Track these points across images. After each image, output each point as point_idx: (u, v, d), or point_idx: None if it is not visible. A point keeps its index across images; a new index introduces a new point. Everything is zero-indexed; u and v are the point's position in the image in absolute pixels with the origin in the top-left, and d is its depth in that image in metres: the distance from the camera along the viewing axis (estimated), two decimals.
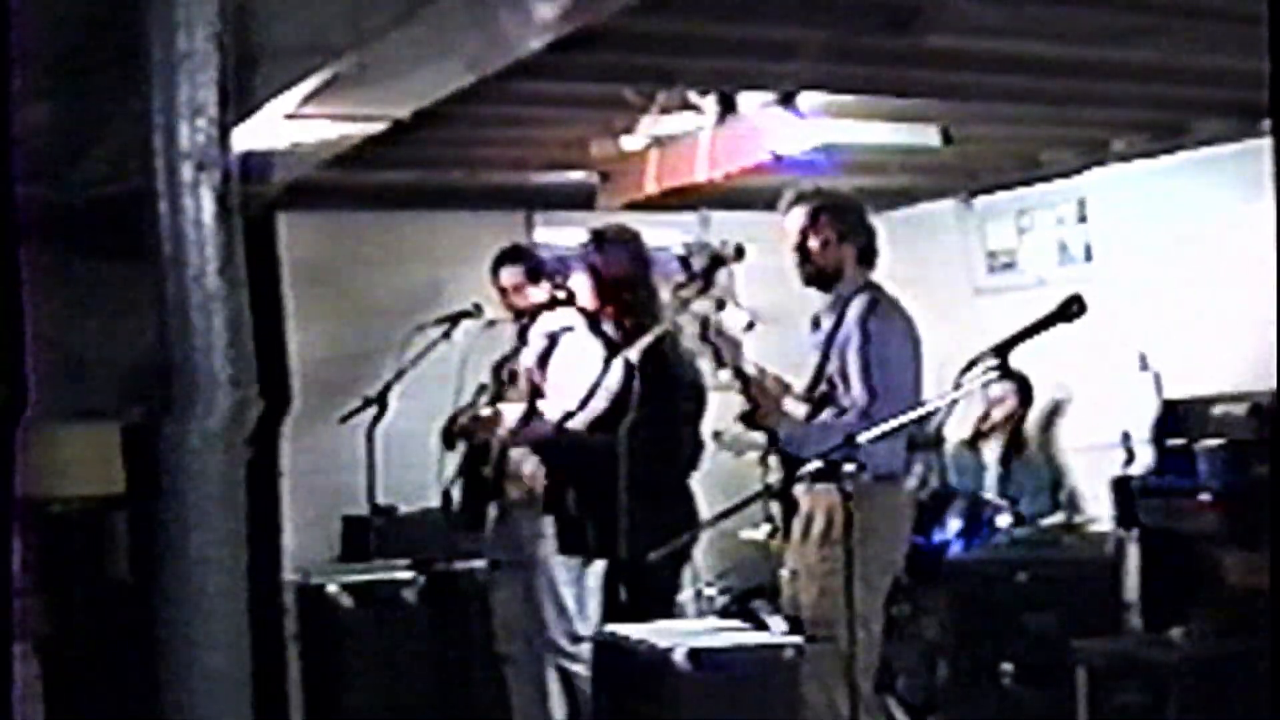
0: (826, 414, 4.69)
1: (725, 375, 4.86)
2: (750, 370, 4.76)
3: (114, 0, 2.56)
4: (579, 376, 5.82)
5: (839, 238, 4.79)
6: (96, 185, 5.66)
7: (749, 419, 4.81)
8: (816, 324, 4.87)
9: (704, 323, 4.73)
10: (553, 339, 5.99)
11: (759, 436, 4.86)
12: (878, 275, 4.89)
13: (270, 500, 7.06)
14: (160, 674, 2.17)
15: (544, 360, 5.98)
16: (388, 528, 6.67)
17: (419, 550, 6.51)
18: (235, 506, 2.18)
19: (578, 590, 5.93)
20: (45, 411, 2.28)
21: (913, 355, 4.71)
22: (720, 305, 4.77)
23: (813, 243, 4.79)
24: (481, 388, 6.18)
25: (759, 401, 4.71)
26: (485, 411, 5.99)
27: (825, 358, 4.77)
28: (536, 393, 5.93)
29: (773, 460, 4.93)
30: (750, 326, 4.91)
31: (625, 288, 5.45)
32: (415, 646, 6.41)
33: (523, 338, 6.10)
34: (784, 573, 4.88)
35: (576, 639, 5.90)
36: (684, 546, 5.27)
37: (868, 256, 4.85)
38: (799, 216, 4.82)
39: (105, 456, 6.62)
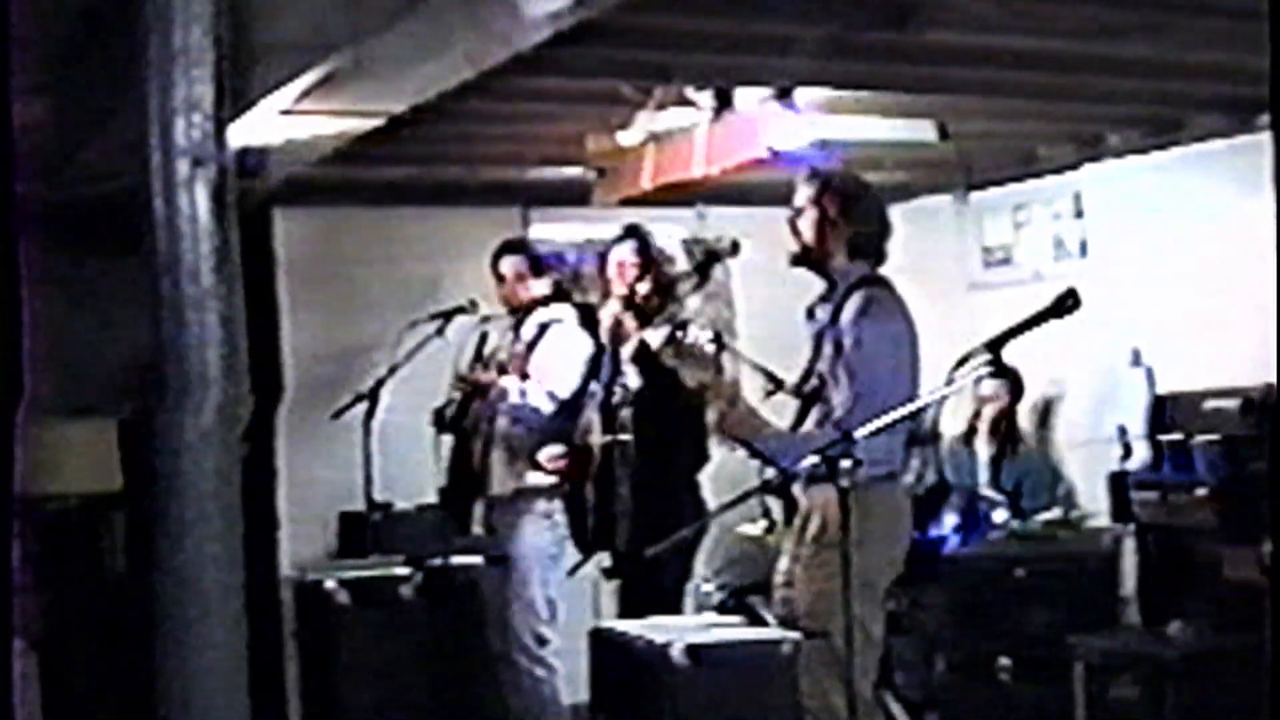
0: (815, 412, 4.65)
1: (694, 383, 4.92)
2: (723, 377, 4.74)
3: None
4: (565, 365, 5.86)
5: (834, 222, 4.65)
6: (93, 181, 5.67)
7: (719, 429, 4.78)
8: (811, 314, 4.79)
9: (670, 339, 4.72)
10: (542, 329, 6.01)
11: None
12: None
13: (267, 496, 7.07)
14: (157, 669, 2.17)
15: (531, 348, 6.00)
16: (384, 524, 6.66)
17: (416, 546, 6.51)
18: (230, 502, 2.18)
19: (551, 592, 5.92)
20: (41, 407, 2.27)
21: (908, 357, 4.57)
22: (684, 326, 4.76)
23: (807, 219, 4.68)
24: (484, 361, 6.20)
25: (723, 412, 4.68)
26: (483, 377, 6.01)
27: (817, 352, 4.70)
28: (523, 376, 5.95)
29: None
30: (717, 341, 4.87)
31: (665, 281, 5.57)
32: (412, 642, 6.41)
33: (517, 331, 6.13)
34: (779, 573, 4.85)
35: (543, 641, 5.90)
36: (691, 540, 5.28)
37: (867, 249, 4.70)
38: (803, 194, 4.71)
39: (102, 453, 6.63)
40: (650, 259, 5.69)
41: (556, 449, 5.80)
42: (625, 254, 5.73)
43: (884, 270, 4.77)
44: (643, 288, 5.64)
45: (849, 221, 4.67)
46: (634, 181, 6.09)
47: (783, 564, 4.76)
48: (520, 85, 4.97)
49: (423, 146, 6.05)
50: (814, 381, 4.65)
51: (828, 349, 4.59)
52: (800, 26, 4.62)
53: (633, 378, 5.49)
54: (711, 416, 4.77)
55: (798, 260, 4.72)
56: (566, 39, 3.98)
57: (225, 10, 2.19)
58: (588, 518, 5.54)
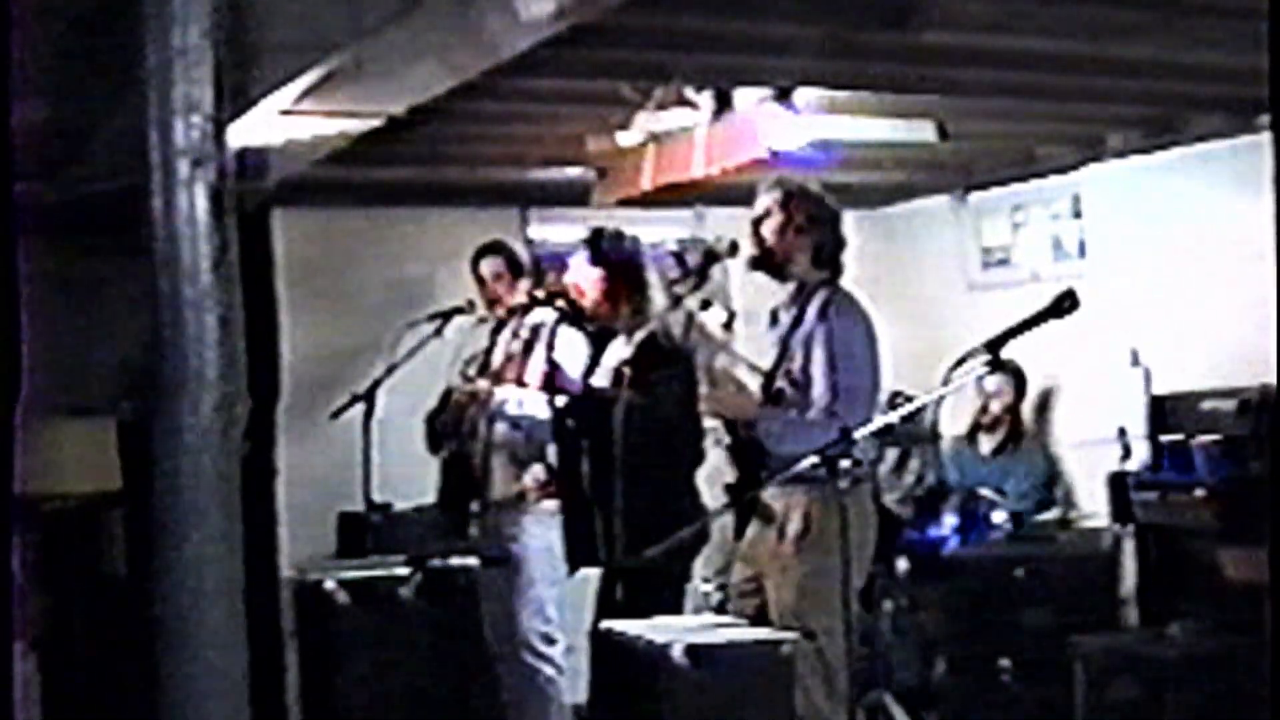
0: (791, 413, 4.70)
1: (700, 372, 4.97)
2: (727, 364, 4.79)
3: None
4: (565, 366, 5.86)
5: (800, 228, 4.78)
6: (93, 181, 5.68)
7: (707, 404, 4.89)
8: (774, 319, 4.86)
9: (688, 319, 4.76)
10: (535, 331, 6.00)
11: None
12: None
13: (266, 496, 7.06)
14: (157, 670, 2.17)
15: (527, 351, 5.98)
16: (384, 524, 6.66)
17: (415, 546, 6.51)
18: (230, 502, 2.18)
19: (556, 592, 5.92)
20: (40, 407, 2.28)
21: (873, 354, 4.70)
22: (705, 305, 4.78)
23: (772, 224, 4.79)
24: (467, 364, 6.20)
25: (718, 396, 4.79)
26: (481, 385, 6.00)
27: (783, 354, 4.76)
28: (519, 383, 5.94)
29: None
30: (730, 323, 4.96)
31: (626, 285, 5.52)
32: (412, 643, 6.42)
33: (498, 332, 6.13)
34: (741, 579, 4.87)
35: (550, 640, 5.89)
36: (692, 542, 5.28)
37: (826, 259, 4.81)
38: (768, 199, 4.83)
39: (102, 453, 6.63)
40: (609, 267, 5.63)
41: (539, 471, 5.83)
42: (581, 264, 5.69)
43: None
44: (593, 296, 5.62)
45: (813, 230, 4.80)
46: (633, 182, 6.09)
47: (744, 570, 4.81)
48: (520, 86, 4.98)
49: (422, 147, 6.05)
50: (780, 383, 4.71)
51: (797, 350, 4.66)
52: (799, 27, 4.62)
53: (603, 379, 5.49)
54: (703, 391, 4.83)
55: (758, 264, 4.82)
56: (566, 39, 3.98)
57: (225, 10, 2.19)
58: (580, 529, 5.53)
